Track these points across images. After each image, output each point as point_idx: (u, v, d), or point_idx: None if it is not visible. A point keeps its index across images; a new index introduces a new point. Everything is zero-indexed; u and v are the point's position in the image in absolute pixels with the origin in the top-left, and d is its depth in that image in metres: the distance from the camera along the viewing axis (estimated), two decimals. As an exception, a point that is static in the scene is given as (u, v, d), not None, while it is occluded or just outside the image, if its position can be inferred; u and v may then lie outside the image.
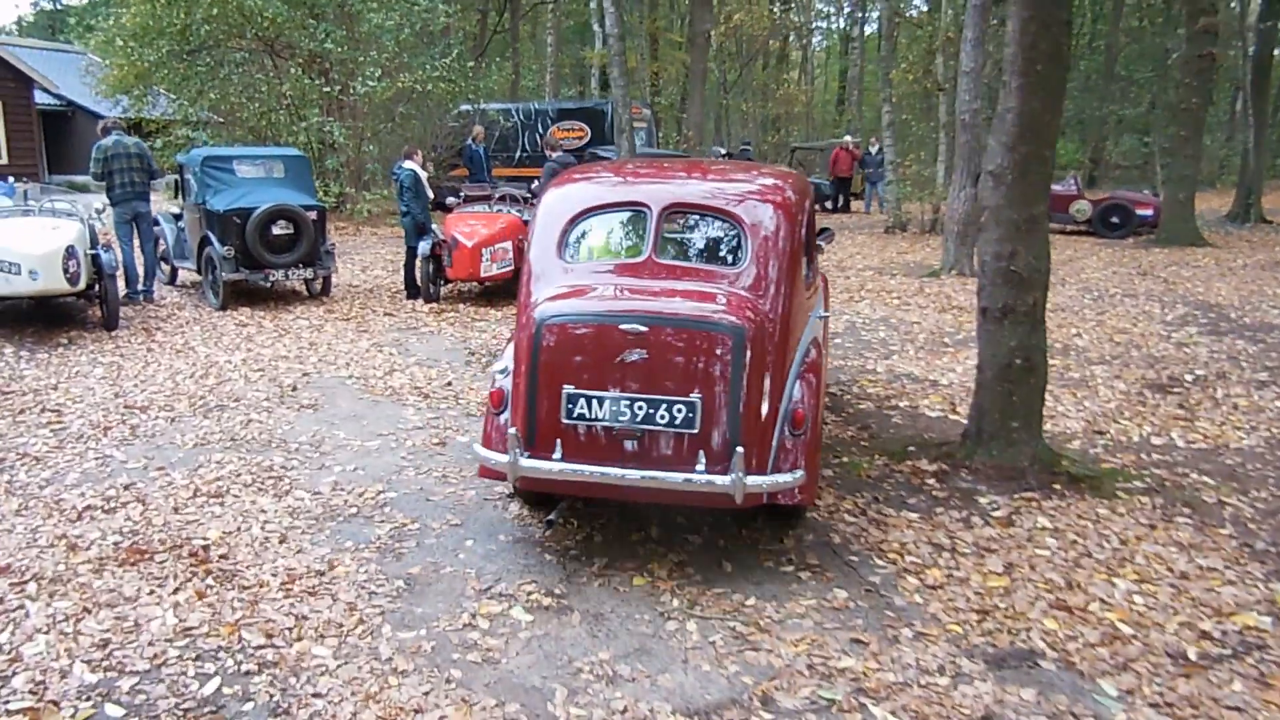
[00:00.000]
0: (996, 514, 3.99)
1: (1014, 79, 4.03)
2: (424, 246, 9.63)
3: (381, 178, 18.49)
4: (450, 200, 10.91)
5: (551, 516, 3.99)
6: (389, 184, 19.32)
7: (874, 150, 20.45)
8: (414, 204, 9.73)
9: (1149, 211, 17.09)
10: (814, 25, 37.21)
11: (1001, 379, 4.23)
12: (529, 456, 3.61)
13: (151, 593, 3.47)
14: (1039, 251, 4.22)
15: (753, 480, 3.45)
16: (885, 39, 16.31)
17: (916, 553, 3.68)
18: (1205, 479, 4.48)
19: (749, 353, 3.47)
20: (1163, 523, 3.88)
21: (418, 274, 9.96)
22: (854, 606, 3.28)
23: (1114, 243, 15.95)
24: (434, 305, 9.57)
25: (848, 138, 22.64)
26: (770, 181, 4.35)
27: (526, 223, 10.12)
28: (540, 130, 20.55)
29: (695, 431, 3.48)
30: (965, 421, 5.43)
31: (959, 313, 9.04)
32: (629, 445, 3.53)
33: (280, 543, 3.92)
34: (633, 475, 3.49)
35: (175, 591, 3.48)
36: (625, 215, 4.17)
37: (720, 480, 3.43)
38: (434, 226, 9.89)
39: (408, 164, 9.88)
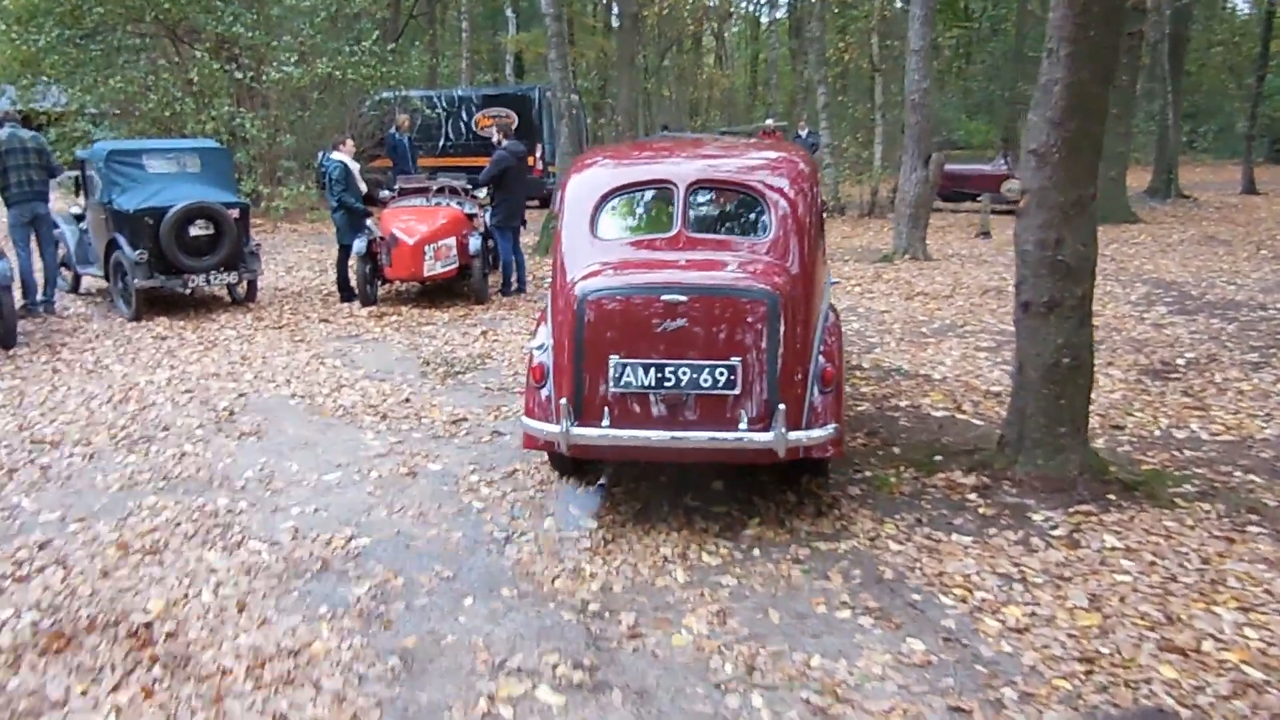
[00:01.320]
0: (1056, 533, 3.62)
1: (1062, 46, 3.64)
2: (359, 245, 8.87)
3: (299, 171, 17.43)
4: (384, 194, 10.14)
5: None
6: (307, 177, 18.30)
7: (803, 133, 20.24)
8: (345, 198, 8.96)
9: (1080, 189, 17.32)
10: (736, 8, 36.90)
11: (1048, 380, 3.86)
12: (579, 425, 3.78)
13: (84, 693, 2.82)
14: (1087, 238, 3.86)
15: (793, 435, 3.68)
16: (817, 19, 16.02)
17: (984, 586, 3.27)
18: (1252, 477, 4.22)
19: (782, 316, 3.69)
20: (1237, 534, 3.57)
21: (352, 275, 9.20)
22: (937, 661, 2.85)
23: (1049, 221, 16.08)
24: (373, 308, 8.84)
25: (769, 121, 22.29)
26: (782, 155, 4.54)
27: (470, 216, 9.47)
28: (465, 118, 19.74)
29: (737, 392, 3.69)
30: (975, 420, 5.11)
31: (926, 300, 8.76)
32: (674, 409, 3.73)
33: (239, 612, 3.29)
34: (680, 436, 3.71)
35: (115, 689, 2.83)
36: (652, 193, 4.38)
37: (763, 437, 3.66)
38: (369, 222, 9.14)
39: (336, 155, 9.09)
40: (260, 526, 4.04)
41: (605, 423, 3.77)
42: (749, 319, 3.69)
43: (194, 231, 8.45)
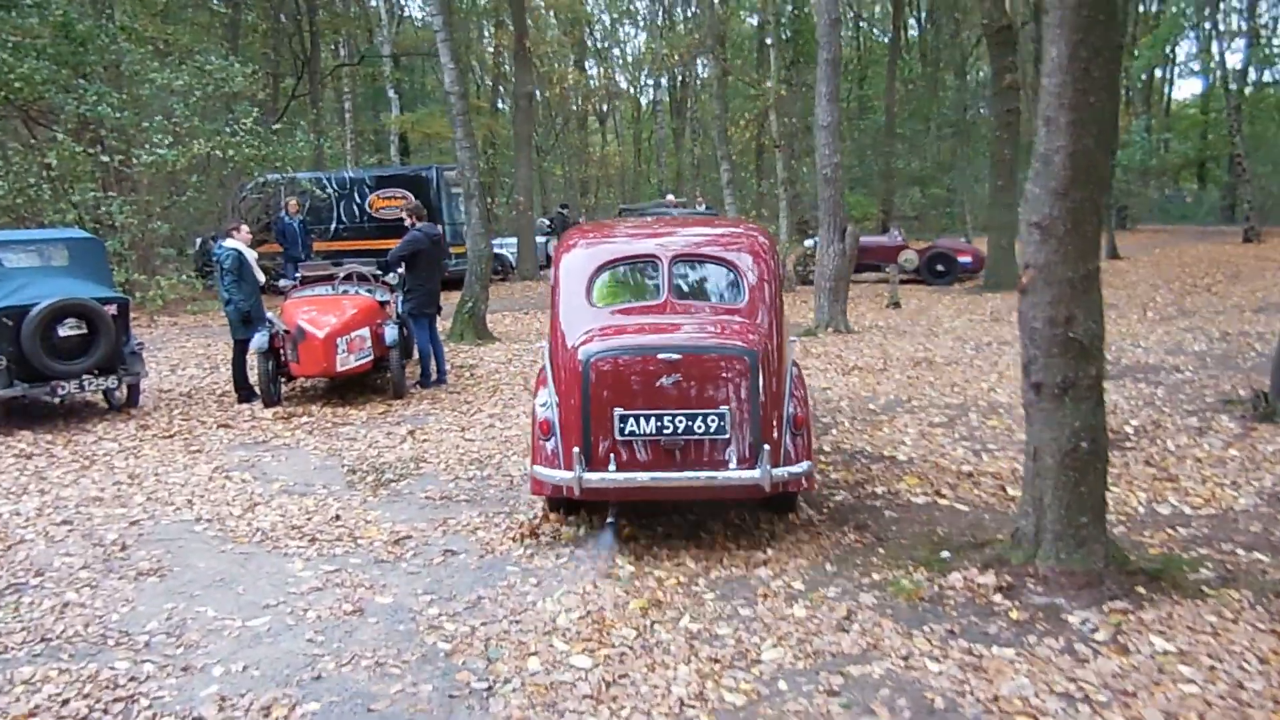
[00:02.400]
0: (1098, 637, 3.33)
1: (1062, 114, 3.48)
2: (260, 339, 8.11)
3: (177, 259, 16.33)
4: (284, 283, 9.43)
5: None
6: (186, 265, 17.17)
7: (701, 208, 20.48)
8: (236, 290, 8.22)
9: (969, 259, 18.01)
10: (636, 87, 37.70)
11: (1065, 467, 3.62)
12: (588, 470, 4.32)
13: None
14: (1098, 314, 3.68)
15: (776, 472, 4.26)
16: (717, 98, 16.30)
17: (1048, 710, 2.92)
18: (1257, 556, 4.08)
19: (760, 370, 4.31)
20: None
21: (254, 372, 8.41)
22: (1039, 818, 2.46)
23: (943, 290, 16.58)
24: (278, 409, 8.06)
25: (670, 196, 22.59)
26: (745, 230, 5.33)
27: (382, 304, 8.88)
28: (359, 200, 19.07)
29: (726, 436, 4.31)
30: (959, 506, 4.87)
31: (863, 374, 8.65)
32: (673, 453, 4.33)
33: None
34: (679, 476, 4.29)
35: None
36: (640, 266, 5.01)
37: (751, 474, 4.24)
38: (270, 314, 8.41)
39: (230, 242, 8.37)
40: (175, 697, 3.32)
41: (612, 468, 4.35)
42: (733, 373, 4.33)
43: (63, 332, 7.54)
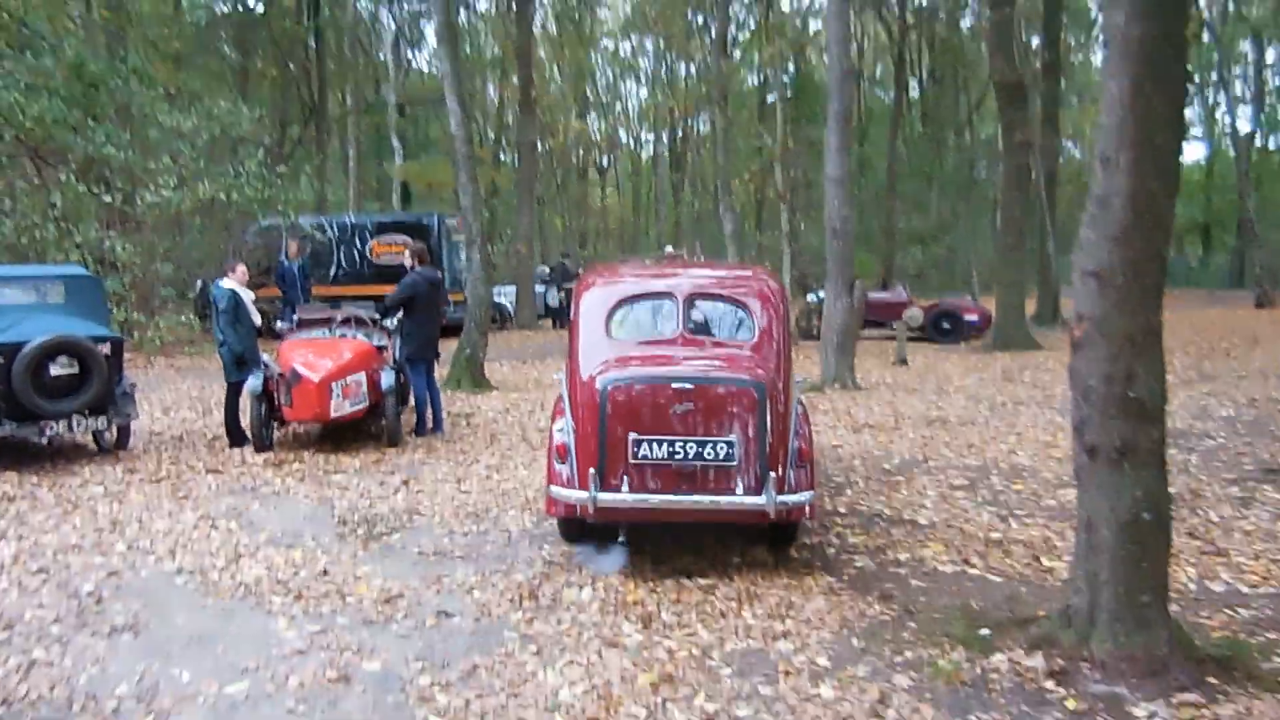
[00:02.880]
0: (1166, 733, 3.02)
1: (1122, 154, 3.26)
2: (254, 382, 7.85)
3: (176, 300, 16.15)
4: (280, 325, 9.20)
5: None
6: (185, 307, 16.99)
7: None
8: (230, 331, 7.98)
9: (975, 317, 17.86)
10: (637, 141, 38.04)
11: (1125, 539, 3.33)
12: (603, 491, 4.53)
13: None
14: (1160, 371, 3.43)
15: (780, 499, 4.47)
16: (720, 149, 16.31)
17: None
18: (1322, 640, 3.77)
19: (768, 402, 4.54)
20: (1369, 723, 3.06)
21: (246, 416, 8.14)
22: None
23: (950, 348, 16.39)
24: (269, 455, 7.77)
25: (668, 249, 22.54)
26: (757, 275, 5.67)
27: (380, 349, 8.65)
28: (359, 245, 18.99)
29: (735, 463, 4.52)
30: (991, 577, 4.58)
31: (875, 432, 8.38)
32: (683, 477, 4.54)
33: None
34: (688, 500, 4.53)
35: None
36: (656, 303, 5.28)
37: (757, 500, 4.45)
38: (265, 357, 8.17)
39: (226, 281, 8.16)
40: (142, 772, 3.00)
41: (625, 489, 4.55)
42: (742, 404, 4.55)
43: (55, 370, 7.29)
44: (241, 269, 8.37)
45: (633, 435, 4.55)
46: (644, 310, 5.33)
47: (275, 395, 7.92)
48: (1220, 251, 43.45)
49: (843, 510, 5.89)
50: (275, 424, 8.16)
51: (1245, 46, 30.66)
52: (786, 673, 3.55)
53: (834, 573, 4.71)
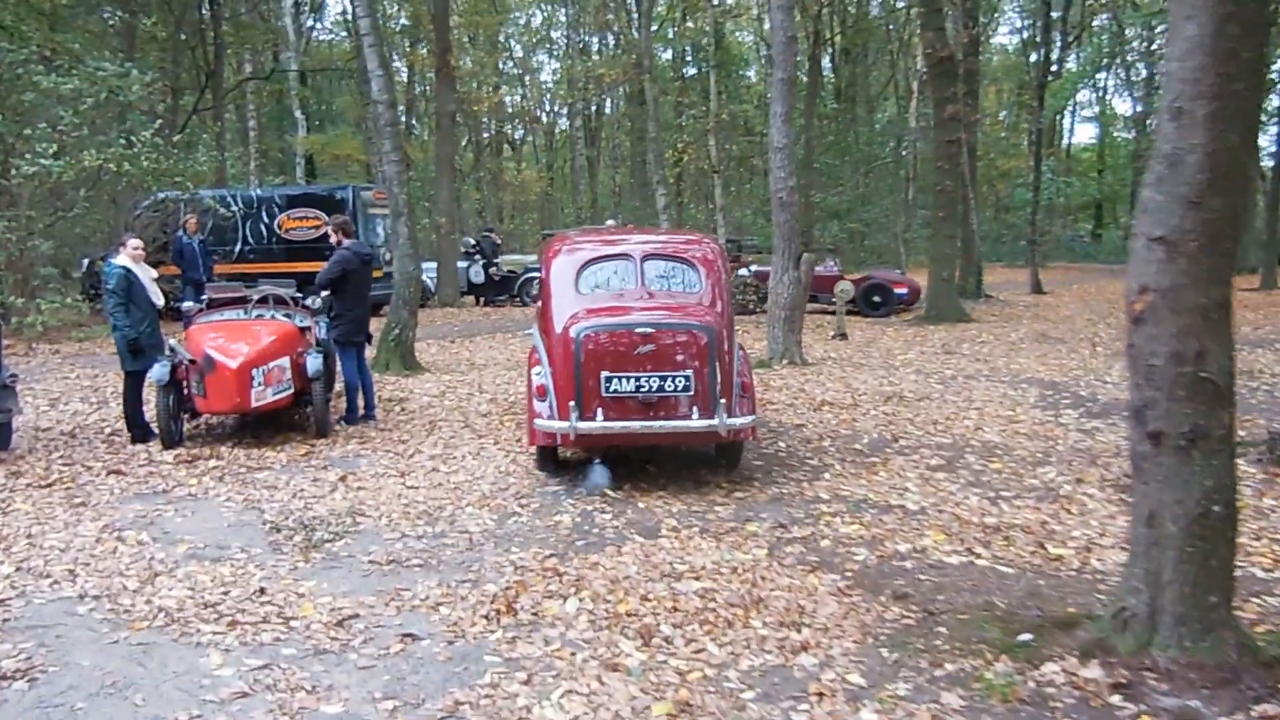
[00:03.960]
0: (1252, 750, 2.71)
1: (1199, 105, 2.88)
2: (160, 370, 7.00)
3: (61, 280, 14.76)
4: (186, 306, 8.31)
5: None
6: (70, 288, 15.59)
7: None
8: (122, 314, 7.09)
9: (904, 290, 17.89)
10: (549, 115, 37.08)
11: (1193, 535, 3.00)
12: (581, 421, 5.38)
13: None
14: (1231, 349, 3.08)
15: (729, 421, 5.41)
16: (653, 120, 15.78)
17: None
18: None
19: (717, 344, 5.45)
20: None
21: (152, 408, 7.29)
22: None
23: (881, 321, 16.35)
24: (180, 451, 6.96)
25: (611, 221, 21.88)
26: (699, 237, 6.77)
27: (303, 330, 7.90)
28: (267, 220, 17.76)
29: (691, 393, 5.42)
30: (1003, 569, 4.26)
31: (835, 410, 8.08)
32: (648, 407, 5.45)
33: None
34: (654, 425, 5.46)
35: None
36: (617, 263, 6.13)
37: (710, 422, 5.39)
38: (172, 342, 7.33)
39: (119, 259, 7.27)
40: None
41: (600, 418, 5.42)
42: (696, 345, 5.46)
43: (-79, 362, 6.35)
44: (134, 243, 7.45)
45: (604, 373, 5.45)
46: (607, 269, 6.14)
47: (185, 384, 7.11)
48: (1111, 228, 45.29)
49: (825, 496, 5.52)
50: (185, 416, 7.35)
51: (1133, 32, 31.76)
52: (819, 695, 3.13)
53: (835, 569, 4.32)
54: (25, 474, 6.37)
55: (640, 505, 5.43)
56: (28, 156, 13.20)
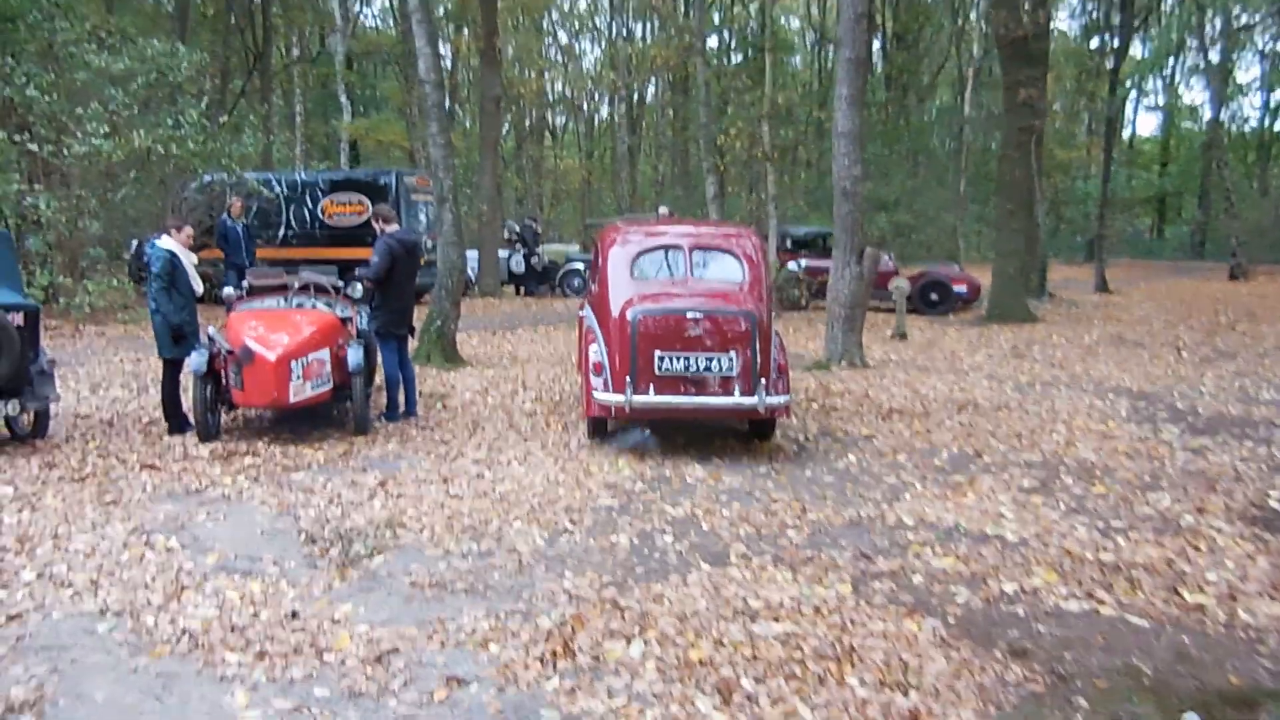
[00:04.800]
0: None
1: None
2: (198, 359, 6.70)
3: (108, 261, 14.65)
4: (228, 292, 7.99)
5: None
6: (118, 269, 15.53)
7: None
8: (164, 299, 6.82)
9: (963, 288, 17.16)
10: (591, 104, 36.61)
11: None
12: (635, 395, 6.02)
13: None
14: None
15: (768, 400, 6.04)
16: (704, 105, 15.22)
17: None
18: None
19: (758, 329, 6.05)
20: None
21: (189, 399, 6.98)
22: None
23: (940, 319, 15.67)
24: (215, 445, 6.64)
25: (663, 209, 21.27)
26: (743, 230, 7.34)
27: (345, 321, 7.54)
28: (310, 204, 17.54)
29: (735, 373, 6.04)
30: (1136, 620, 3.72)
31: (906, 419, 7.52)
32: (696, 384, 6.07)
33: None
34: (700, 400, 6.09)
35: None
36: (668, 251, 6.81)
37: (751, 400, 6.01)
38: (211, 330, 7.01)
39: (165, 241, 6.96)
40: None
41: (652, 392, 6.01)
42: (739, 329, 6.02)
43: (-47, 346, 6.07)
44: (188, 230, 7.17)
45: (657, 353, 6.04)
46: (659, 258, 6.80)
47: (223, 375, 6.79)
48: (1174, 224, 43.64)
49: (909, 521, 5.00)
50: (223, 408, 7.03)
51: (1209, 20, 30.27)
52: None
53: (935, 613, 3.81)
54: (59, 465, 6.09)
55: (704, 526, 4.96)
56: (80, 136, 13.06)
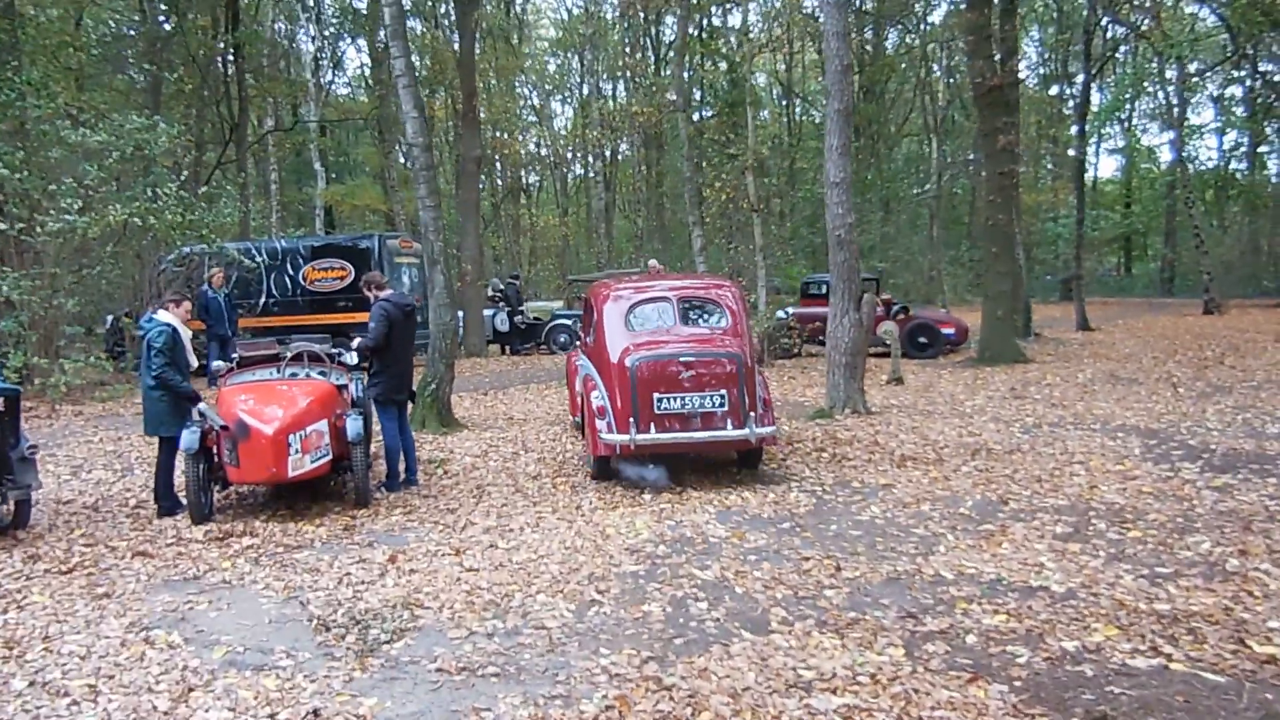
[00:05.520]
0: None
1: None
2: (189, 438, 6.42)
3: (85, 338, 14.32)
4: (217, 365, 7.74)
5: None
6: (97, 345, 15.20)
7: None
8: (170, 373, 6.59)
9: (951, 330, 17.18)
10: (565, 164, 36.90)
11: None
12: (638, 433, 6.65)
13: None
14: None
15: (757, 430, 6.71)
16: (687, 159, 15.29)
17: None
18: None
19: (743, 368, 6.77)
20: None
21: (183, 478, 6.69)
22: None
23: (931, 363, 15.63)
24: (210, 526, 6.34)
25: (652, 261, 21.17)
26: (723, 281, 8.37)
27: (341, 389, 7.31)
28: (291, 271, 17.35)
29: (726, 409, 6.71)
30: (1211, 675, 3.52)
31: (922, 467, 7.37)
32: (691, 420, 6.71)
33: None
34: (696, 435, 6.72)
35: None
36: (657, 303, 7.50)
37: (741, 432, 6.67)
38: (202, 406, 6.75)
39: (164, 315, 6.75)
40: None
41: (653, 431, 6.69)
42: (728, 369, 6.74)
43: (-69, 435, 5.79)
44: (186, 305, 6.97)
45: (655, 394, 6.69)
46: (651, 310, 7.47)
47: (216, 452, 6.52)
48: (1141, 261, 44.46)
49: (948, 574, 4.81)
50: (215, 487, 6.75)
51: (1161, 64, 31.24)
52: None
53: (996, 675, 3.61)
54: (44, 557, 5.76)
55: (738, 590, 4.74)
56: (52, 213, 12.83)
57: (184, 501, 6.67)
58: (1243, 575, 4.59)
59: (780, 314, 17.48)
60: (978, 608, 4.33)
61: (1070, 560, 4.94)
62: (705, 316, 7.47)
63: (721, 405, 6.64)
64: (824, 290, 18.00)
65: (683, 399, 6.67)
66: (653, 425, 6.63)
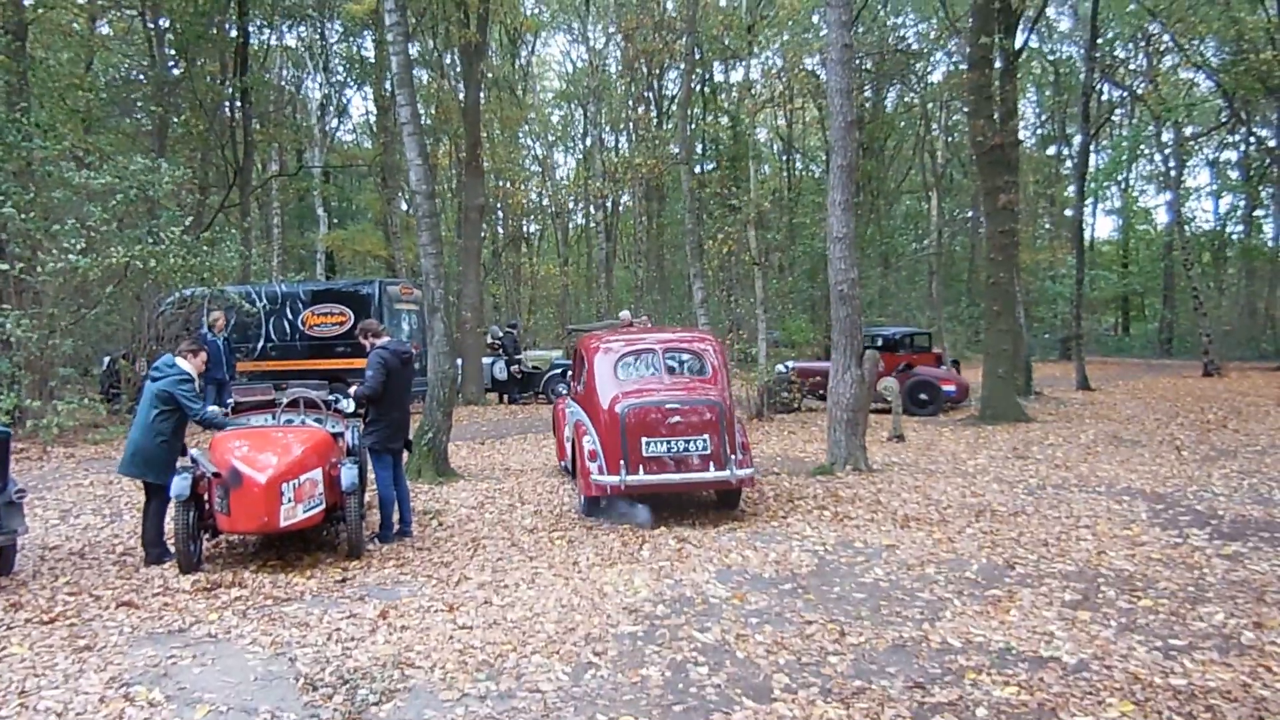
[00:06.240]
0: None
1: None
2: (179, 484, 6.31)
3: (80, 380, 14.22)
4: (212, 410, 7.64)
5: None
6: (92, 386, 15.10)
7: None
8: (168, 425, 6.51)
9: (952, 388, 17.12)
10: (566, 213, 37.24)
11: None
12: (628, 475, 7.19)
13: None
14: None
15: (737, 472, 7.32)
16: (689, 212, 15.39)
17: None
18: None
19: (724, 414, 7.40)
20: None
21: (172, 525, 6.55)
22: None
23: (931, 420, 15.54)
24: (198, 576, 6.19)
25: (625, 314, 21.25)
26: (704, 334, 9.00)
27: (336, 437, 7.21)
28: (290, 316, 17.34)
29: (708, 452, 7.30)
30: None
31: (925, 528, 7.24)
32: (677, 463, 7.28)
33: None
34: (681, 477, 7.29)
35: None
36: (644, 355, 8.15)
37: (723, 473, 7.27)
38: (194, 451, 6.64)
39: (185, 364, 6.70)
40: None
41: (641, 473, 7.21)
42: (709, 416, 7.35)
43: (-84, 478, 5.67)
44: (202, 356, 6.97)
45: (643, 439, 7.23)
46: (637, 360, 8.06)
47: (207, 500, 6.39)
48: (1139, 321, 44.66)
49: (955, 642, 4.67)
50: (204, 534, 6.60)
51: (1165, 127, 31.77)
52: None
53: (1010, 753, 3.46)
54: (26, 605, 5.60)
55: (739, 654, 4.59)
56: (54, 253, 12.84)
57: (172, 550, 6.52)
58: (1259, 649, 4.46)
59: (780, 368, 17.44)
60: (987, 678, 4.19)
61: (1081, 629, 4.81)
62: (688, 367, 8.13)
63: (704, 449, 7.27)
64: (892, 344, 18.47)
65: (669, 443, 7.26)
66: (641, 467, 7.17)
